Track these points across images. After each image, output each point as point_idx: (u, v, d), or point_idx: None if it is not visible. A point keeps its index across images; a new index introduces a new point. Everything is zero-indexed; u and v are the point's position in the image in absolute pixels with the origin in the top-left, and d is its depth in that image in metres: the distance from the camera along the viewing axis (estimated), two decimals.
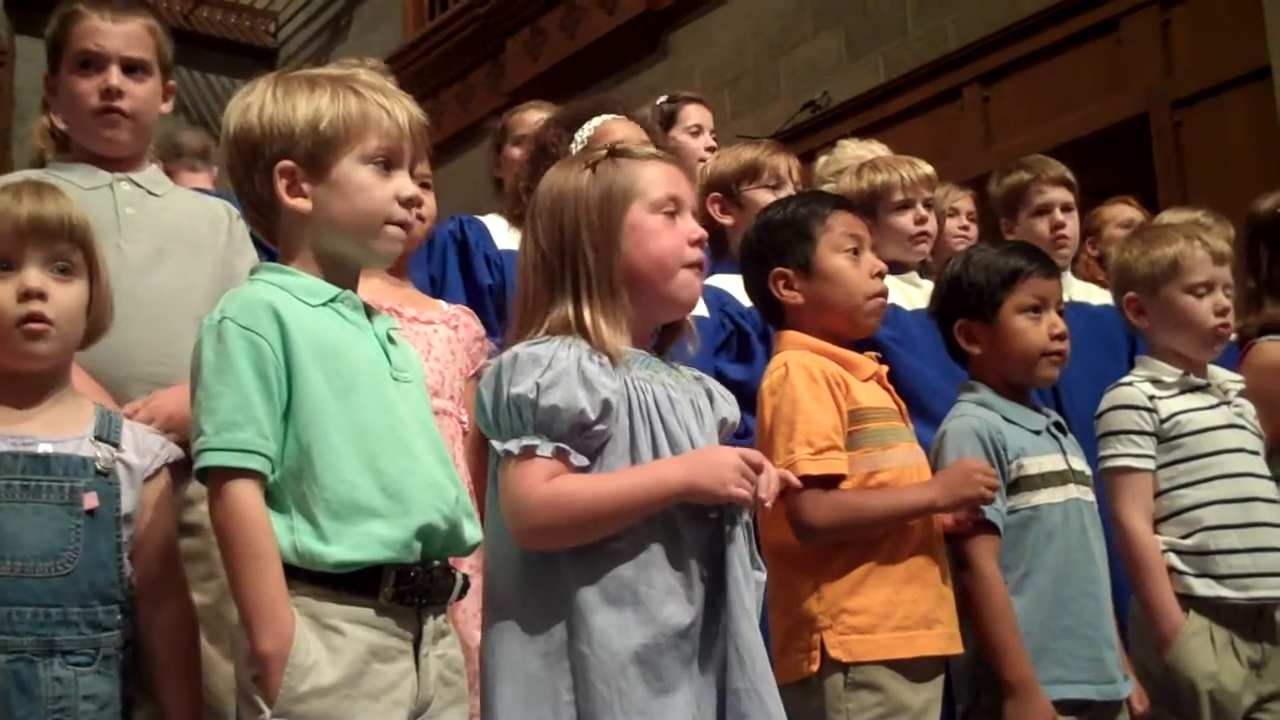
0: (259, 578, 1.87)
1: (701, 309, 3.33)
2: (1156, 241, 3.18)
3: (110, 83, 2.79)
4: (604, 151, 2.24)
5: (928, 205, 3.80)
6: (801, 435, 2.49)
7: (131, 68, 2.83)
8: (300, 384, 1.95)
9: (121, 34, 2.83)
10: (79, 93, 2.80)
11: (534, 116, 3.92)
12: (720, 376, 3.16)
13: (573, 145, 3.01)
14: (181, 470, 2.24)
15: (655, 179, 2.18)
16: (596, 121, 3.08)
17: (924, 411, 2.94)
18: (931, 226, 3.81)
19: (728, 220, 3.59)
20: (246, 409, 1.91)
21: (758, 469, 2.06)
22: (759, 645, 2.03)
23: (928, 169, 3.83)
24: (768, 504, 2.10)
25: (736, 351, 3.39)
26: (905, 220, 3.73)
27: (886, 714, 2.41)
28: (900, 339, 3.34)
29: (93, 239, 2.19)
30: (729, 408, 2.27)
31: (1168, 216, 4.16)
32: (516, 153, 3.87)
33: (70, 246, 2.14)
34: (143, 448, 2.17)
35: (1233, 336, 3.60)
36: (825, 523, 2.47)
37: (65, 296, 2.13)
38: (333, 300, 2.05)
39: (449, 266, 3.60)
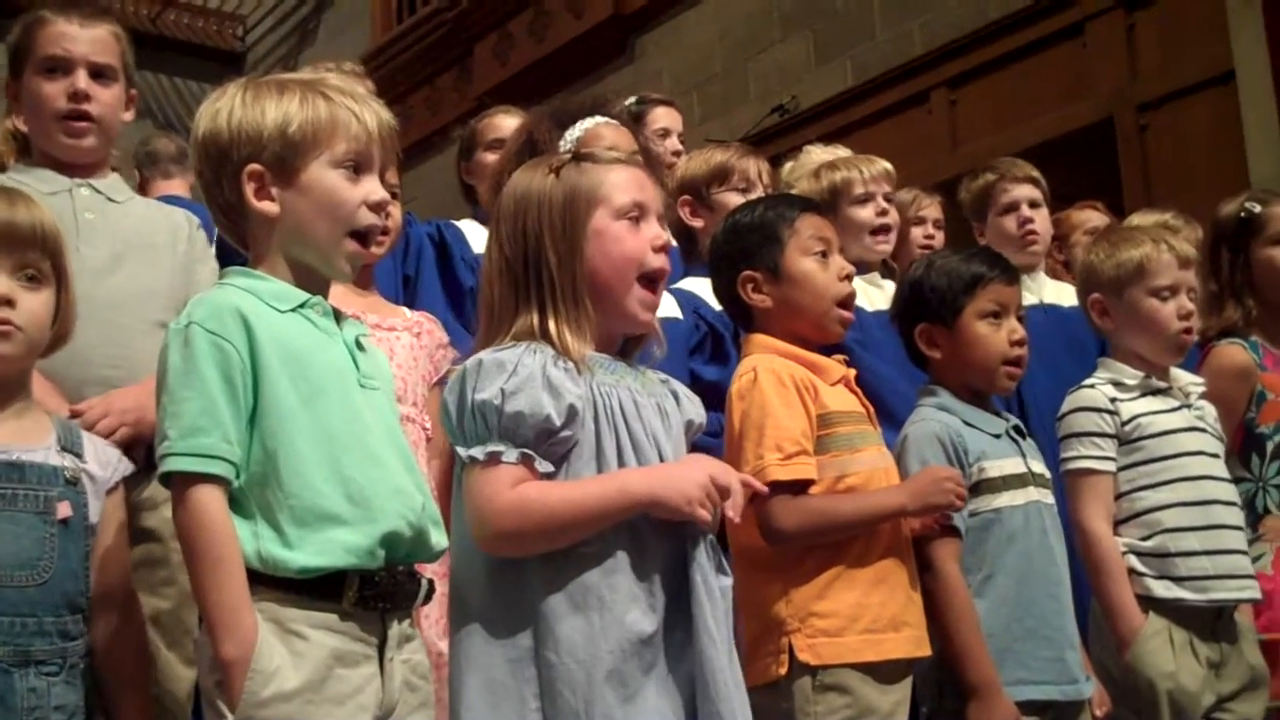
0: (222, 583, 1.86)
1: (675, 311, 3.34)
2: (1123, 244, 3.20)
3: (78, 86, 2.78)
4: (569, 155, 2.23)
5: (888, 199, 3.83)
6: (770, 440, 2.49)
7: (98, 73, 2.83)
8: (267, 390, 1.94)
9: (89, 39, 2.82)
10: (45, 95, 2.79)
11: (505, 121, 3.91)
12: (694, 378, 3.19)
13: (562, 143, 3.00)
14: (140, 474, 2.24)
15: (620, 184, 2.17)
16: (589, 123, 3.06)
17: (886, 413, 2.94)
18: (893, 219, 3.84)
19: (698, 223, 3.59)
20: (212, 414, 1.90)
21: (724, 492, 2.06)
22: (722, 665, 2.02)
23: (885, 164, 3.87)
24: (736, 519, 2.10)
25: (710, 353, 3.39)
26: (867, 213, 3.76)
27: (855, 716, 2.41)
28: (862, 340, 3.35)
29: (63, 247, 2.19)
30: (695, 409, 2.27)
31: (1137, 219, 4.20)
32: (489, 158, 3.84)
33: (40, 255, 2.14)
34: (103, 459, 2.17)
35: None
36: (795, 528, 2.47)
37: (32, 304, 2.13)
38: (302, 306, 2.04)
39: (425, 266, 3.59)
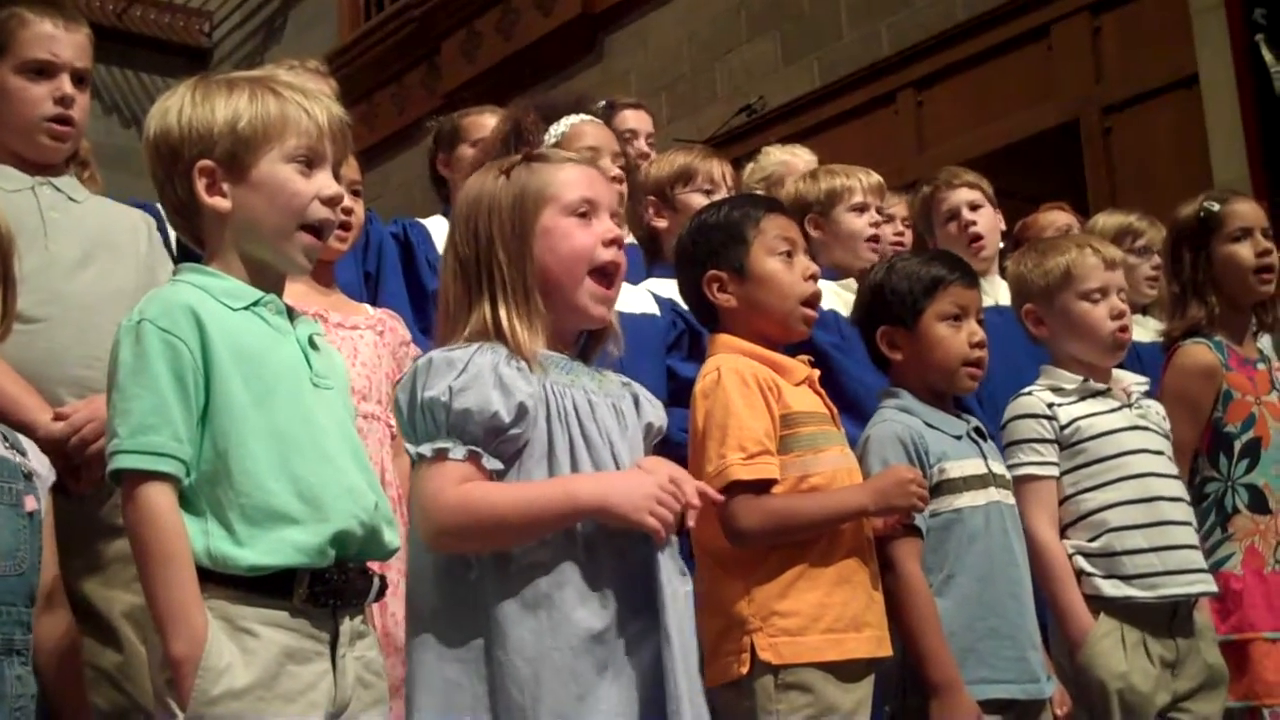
0: (171, 581, 1.86)
1: (653, 308, 3.36)
2: (1049, 252, 3.23)
3: (65, 91, 2.80)
4: (519, 157, 2.24)
5: (880, 213, 3.89)
6: (734, 440, 2.49)
7: (78, 78, 2.83)
8: (218, 388, 1.94)
9: (73, 44, 2.84)
10: (31, 98, 2.78)
11: (491, 121, 3.90)
12: (672, 375, 3.20)
13: (548, 136, 3.00)
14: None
15: (568, 181, 2.19)
16: (573, 120, 3.07)
17: (862, 417, 2.96)
18: (885, 233, 3.90)
19: (662, 223, 3.62)
20: (162, 412, 1.89)
21: (678, 499, 2.06)
22: (688, 662, 2.03)
23: (879, 178, 3.94)
24: (690, 524, 2.11)
25: (688, 350, 3.40)
26: (861, 222, 3.81)
27: (817, 715, 2.41)
28: (841, 345, 3.37)
29: (13, 251, 2.19)
30: (655, 413, 2.27)
31: (1101, 219, 4.24)
32: (472, 153, 3.84)
33: None
34: (41, 458, 2.18)
35: (1151, 339, 3.67)
36: (757, 527, 2.47)
37: None
38: (255, 304, 2.04)
39: (387, 264, 3.58)
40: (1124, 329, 3.15)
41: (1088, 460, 3.05)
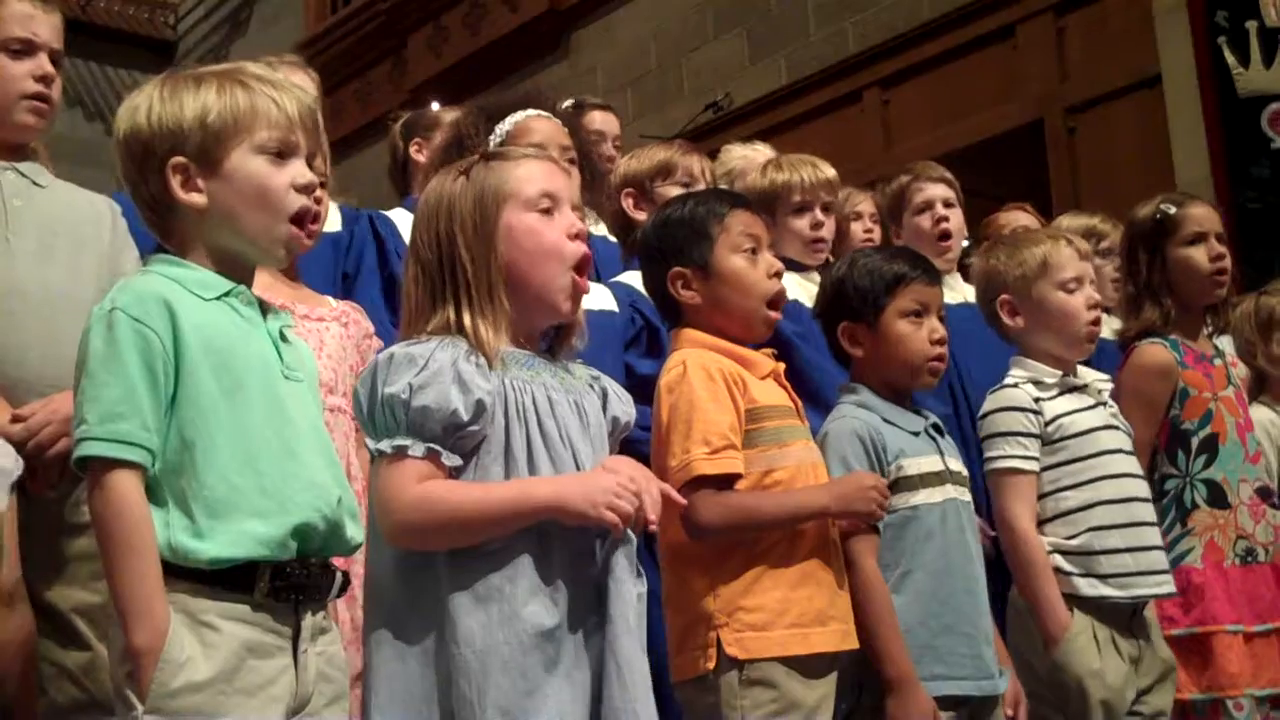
0: (134, 571, 1.85)
1: (611, 304, 3.35)
2: (1022, 244, 3.26)
3: (46, 69, 2.80)
4: (477, 157, 2.24)
5: (826, 209, 3.83)
6: (698, 434, 2.49)
7: (54, 60, 2.82)
8: (187, 379, 1.93)
9: (50, 25, 2.84)
10: (11, 75, 2.78)
11: None
12: (629, 372, 3.20)
13: (492, 138, 2.99)
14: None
15: (528, 176, 2.18)
16: (519, 116, 3.05)
17: (824, 405, 2.97)
18: (828, 231, 3.85)
19: (640, 215, 3.59)
20: (131, 400, 1.88)
21: (638, 495, 2.06)
22: (641, 661, 2.03)
23: (830, 173, 3.87)
24: (652, 526, 2.10)
25: (646, 347, 3.40)
26: (801, 224, 3.78)
27: (780, 710, 2.42)
28: (803, 334, 3.37)
29: None
30: (623, 407, 2.27)
31: (1065, 221, 4.26)
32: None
33: None
34: (7, 453, 2.15)
35: (1109, 338, 3.69)
36: (717, 523, 2.47)
37: None
38: (226, 295, 2.03)
39: (365, 266, 3.55)
40: (1096, 321, 3.18)
41: (1069, 458, 3.07)
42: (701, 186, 3.60)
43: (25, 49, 2.78)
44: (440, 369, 2.01)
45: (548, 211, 2.17)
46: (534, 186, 2.17)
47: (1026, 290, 3.19)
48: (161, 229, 2.11)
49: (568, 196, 2.21)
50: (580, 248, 2.19)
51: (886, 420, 2.82)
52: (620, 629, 2.02)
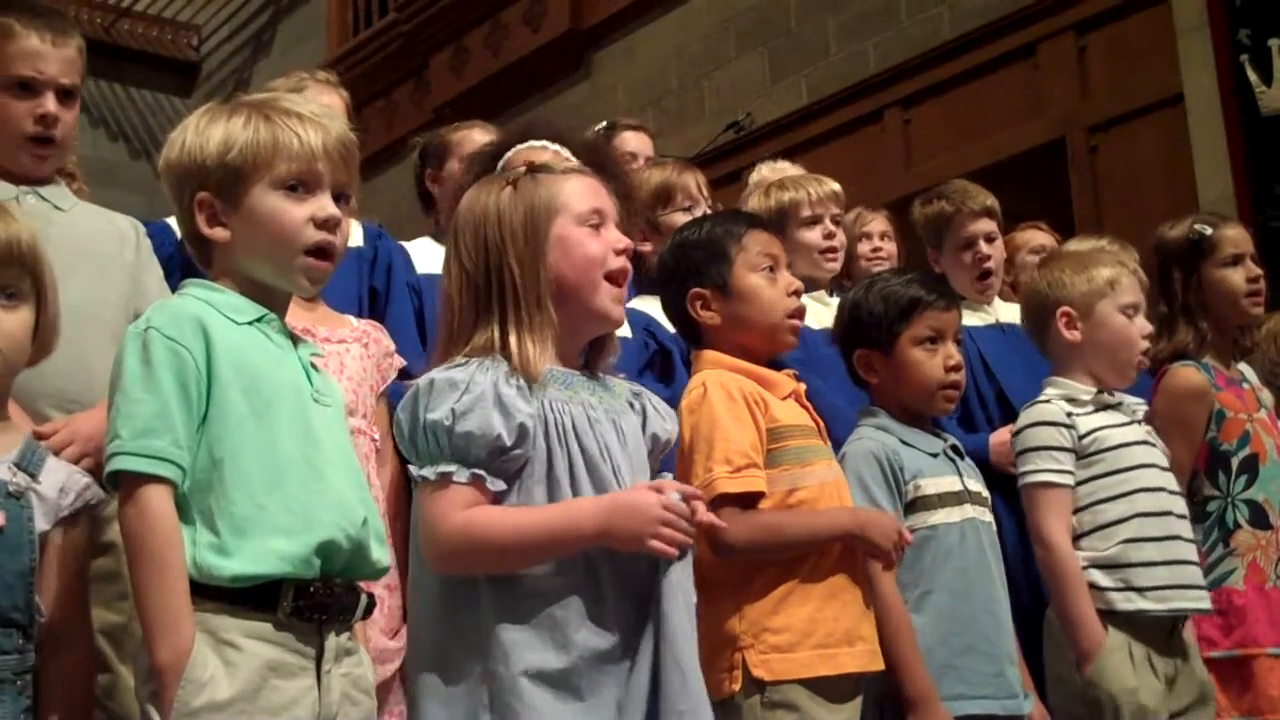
0: (163, 587, 1.86)
1: (625, 330, 3.34)
2: (1091, 262, 3.25)
3: (48, 109, 2.76)
4: (523, 169, 2.25)
5: (835, 221, 3.85)
6: (720, 453, 2.50)
7: (65, 93, 2.80)
8: (219, 399, 1.95)
9: (60, 59, 2.80)
10: (12, 115, 2.76)
11: (480, 136, 3.89)
12: None
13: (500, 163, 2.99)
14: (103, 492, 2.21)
15: (578, 192, 2.20)
16: (522, 147, 3.06)
17: (832, 436, 2.96)
18: (840, 241, 3.86)
19: (646, 247, 3.59)
20: (165, 417, 1.91)
21: (684, 515, 2.06)
22: (698, 668, 2.04)
23: (834, 185, 3.88)
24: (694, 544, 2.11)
25: (660, 371, 3.40)
26: (814, 235, 3.79)
27: None
28: (806, 360, 3.34)
29: (41, 261, 2.16)
30: (663, 423, 2.27)
31: (1073, 245, 4.21)
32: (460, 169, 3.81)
33: (19, 273, 2.12)
34: (67, 486, 2.12)
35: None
36: (743, 541, 2.47)
37: (10, 323, 2.10)
38: (258, 320, 2.05)
39: (395, 282, 3.54)
40: (1146, 352, 3.18)
41: (1105, 471, 3.05)
42: (703, 205, 3.64)
43: (29, 86, 2.76)
44: (482, 393, 2.02)
45: (596, 227, 2.19)
46: (585, 202, 2.19)
47: (1089, 306, 3.18)
48: (200, 259, 2.15)
49: (613, 214, 2.23)
50: (623, 261, 2.21)
51: (904, 442, 2.82)
52: (680, 640, 2.02)
